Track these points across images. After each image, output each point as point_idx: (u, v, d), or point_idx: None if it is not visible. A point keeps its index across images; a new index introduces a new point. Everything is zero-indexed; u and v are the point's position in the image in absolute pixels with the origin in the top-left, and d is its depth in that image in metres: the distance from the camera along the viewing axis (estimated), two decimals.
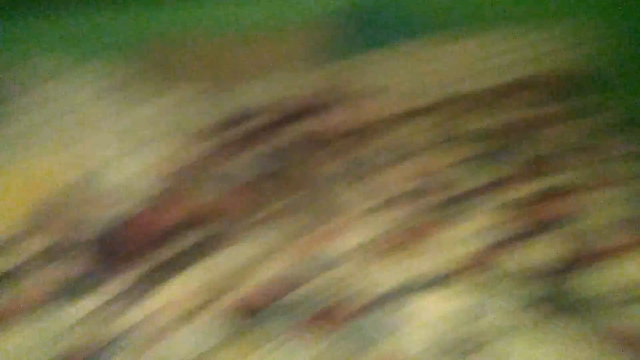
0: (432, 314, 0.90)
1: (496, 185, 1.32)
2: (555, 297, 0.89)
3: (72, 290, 1.10)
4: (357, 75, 2.05)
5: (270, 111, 1.82)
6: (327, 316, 0.95)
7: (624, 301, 0.85)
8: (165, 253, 1.19)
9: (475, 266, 1.02)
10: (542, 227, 1.11)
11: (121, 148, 1.59)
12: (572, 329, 0.82)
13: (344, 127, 1.77)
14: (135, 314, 1.00)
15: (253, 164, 1.52)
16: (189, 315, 0.99)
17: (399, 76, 2.06)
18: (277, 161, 1.54)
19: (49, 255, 1.21)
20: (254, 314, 0.99)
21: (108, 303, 1.04)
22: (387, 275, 1.05)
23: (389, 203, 1.32)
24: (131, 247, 1.22)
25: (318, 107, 1.85)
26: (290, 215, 1.30)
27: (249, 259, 1.17)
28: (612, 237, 1.04)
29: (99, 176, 1.51)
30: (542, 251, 1.02)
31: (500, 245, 1.07)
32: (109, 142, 1.59)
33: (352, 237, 1.20)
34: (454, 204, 1.28)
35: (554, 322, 0.84)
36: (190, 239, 1.24)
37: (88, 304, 1.04)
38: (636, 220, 1.11)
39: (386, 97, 1.93)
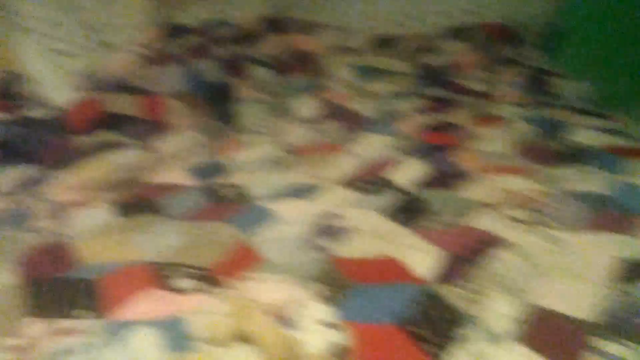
0: (296, 214, 1.01)
1: (399, 116, 1.43)
2: (411, 206, 1.00)
3: None
4: (301, 9, 2.11)
5: (209, 31, 1.87)
6: (209, 211, 1.05)
7: (461, 214, 0.96)
8: (71, 148, 1.27)
9: (353, 180, 1.13)
10: (424, 151, 1.22)
11: (48, 55, 1.61)
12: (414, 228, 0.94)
13: (275, 56, 1.84)
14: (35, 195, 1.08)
15: (181, 76, 1.58)
16: (83, 200, 1.08)
17: (341, 14, 2.12)
18: (205, 78, 1.61)
19: None
20: (145, 205, 1.08)
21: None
22: (273, 182, 1.16)
23: (294, 125, 1.42)
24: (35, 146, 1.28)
25: (255, 34, 1.91)
26: (202, 127, 1.39)
27: (156, 159, 1.25)
28: (474, 164, 1.16)
29: (19, 80, 1.55)
30: (414, 170, 1.13)
31: (383, 164, 1.18)
32: (35, 47, 1.61)
33: (254, 151, 1.30)
34: (356, 130, 1.38)
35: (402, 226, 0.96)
36: (100, 138, 1.31)
37: None
38: (505, 154, 1.23)
39: (323, 32, 1.99)
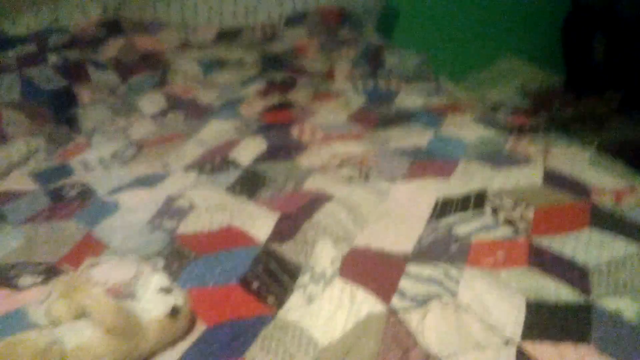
0: (141, 202, 1.04)
1: (242, 102, 1.49)
2: (251, 180, 1.08)
3: None
4: (138, 10, 2.10)
5: (42, 39, 1.82)
6: (54, 212, 1.06)
7: (296, 180, 1.05)
8: None
9: (197, 164, 1.18)
10: (264, 129, 1.30)
11: None
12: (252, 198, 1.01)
13: (116, 57, 1.83)
14: None
15: (14, 86, 1.54)
16: None
17: (184, 10, 2.14)
18: (40, 85, 1.58)
19: None
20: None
21: None
22: (119, 177, 1.18)
23: (140, 121, 1.44)
24: None
25: (93, 38, 1.89)
26: (43, 133, 1.37)
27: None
28: (311, 136, 1.25)
29: None
30: (254, 148, 1.21)
31: (226, 146, 1.24)
32: None
33: (99, 151, 1.31)
34: (200, 119, 1.42)
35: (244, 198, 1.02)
36: None
37: None
38: (339, 124, 1.33)
39: (166, 30, 2.00)
